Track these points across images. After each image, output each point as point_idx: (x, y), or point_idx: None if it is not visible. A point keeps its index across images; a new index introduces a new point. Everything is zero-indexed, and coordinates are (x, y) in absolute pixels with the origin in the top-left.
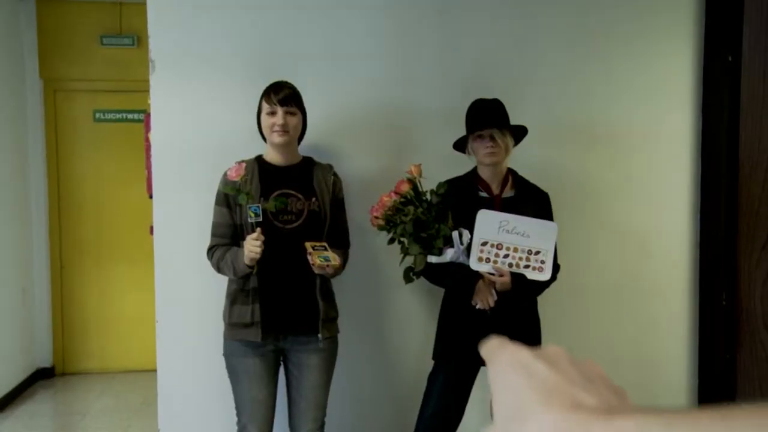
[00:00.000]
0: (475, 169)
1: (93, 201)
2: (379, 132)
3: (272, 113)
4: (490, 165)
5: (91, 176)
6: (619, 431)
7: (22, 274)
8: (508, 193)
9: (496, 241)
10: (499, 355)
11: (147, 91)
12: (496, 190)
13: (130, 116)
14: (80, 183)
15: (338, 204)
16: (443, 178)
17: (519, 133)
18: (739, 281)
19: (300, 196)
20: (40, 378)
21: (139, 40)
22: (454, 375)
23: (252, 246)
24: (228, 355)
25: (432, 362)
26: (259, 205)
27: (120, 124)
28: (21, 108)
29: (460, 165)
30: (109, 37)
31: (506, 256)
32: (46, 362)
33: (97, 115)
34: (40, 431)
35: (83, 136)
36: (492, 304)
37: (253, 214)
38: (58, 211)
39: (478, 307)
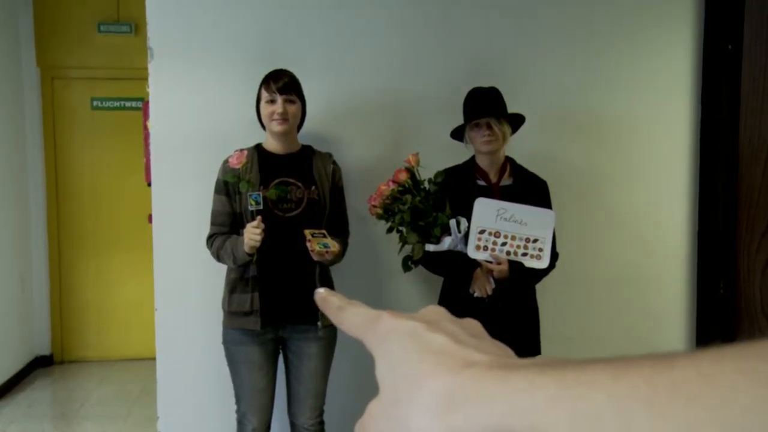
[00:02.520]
0: (473, 158)
1: (91, 189)
2: (377, 121)
3: (271, 101)
4: (487, 153)
5: (89, 164)
6: (514, 389)
7: (21, 262)
8: (506, 181)
9: (494, 229)
10: (376, 324)
11: (145, 78)
12: (494, 179)
13: (128, 104)
14: (78, 171)
15: (338, 192)
16: (441, 167)
17: (516, 121)
18: (738, 269)
19: (300, 184)
20: (38, 366)
21: (137, 27)
22: None
23: (252, 234)
24: (227, 343)
25: None
26: (260, 192)
27: (118, 111)
28: (18, 96)
29: (458, 154)
30: (106, 25)
31: (504, 244)
32: (44, 350)
33: (95, 103)
34: (38, 419)
35: (81, 124)
36: (490, 292)
37: (253, 202)
38: (56, 199)
39: (476, 295)
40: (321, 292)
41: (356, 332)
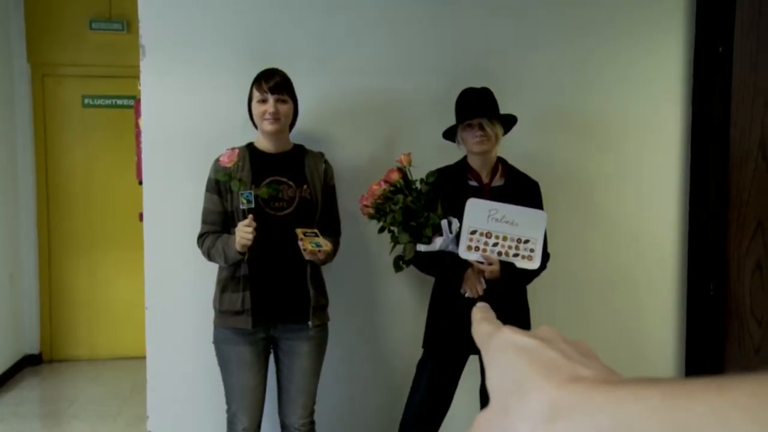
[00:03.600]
0: (464, 158)
1: (82, 187)
2: (370, 120)
3: (263, 101)
4: (479, 154)
5: (80, 162)
6: (618, 400)
7: (10, 259)
8: (498, 181)
9: (486, 230)
10: (494, 337)
11: (137, 76)
12: (485, 179)
13: (119, 102)
14: (69, 169)
15: (329, 192)
16: (433, 167)
17: (508, 121)
18: (728, 271)
19: (291, 183)
20: (27, 365)
21: (128, 25)
22: (443, 363)
23: (243, 232)
24: (218, 342)
25: (421, 350)
26: (252, 191)
27: (110, 109)
28: (8, 93)
29: (450, 154)
30: (98, 22)
31: (495, 244)
32: (33, 349)
33: (87, 101)
34: (27, 418)
35: (72, 122)
36: (481, 293)
37: (245, 201)
38: (47, 196)
39: (467, 295)
40: (480, 306)
41: (479, 342)
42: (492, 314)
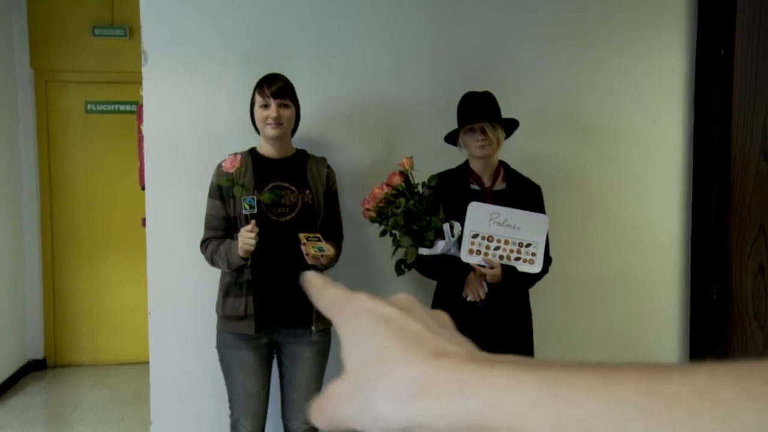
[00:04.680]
0: (466, 162)
1: (85, 192)
2: (372, 125)
3: (265, 106)
4: (481, 158)
5: (82, 167)
6: (493, 385)
7: (14, 265)
8: (500, 185)
9: (487, 234)
10: (350, 303)
11: (139, 82)
12: (487, 183)
13: (122, 107)
14: (72, 174)
15: (332, 196)
16: (435, 171)
17: (510, 125)
18: (730, 275)
19: (294, 188)
20: (31, 370)
21: (131, 31)
22: None
23: (246, 238)
24: (221, 347)
25: None
26: (254, 196)
27: (112, 115)
28: (12, 98)
29: (452, 158)
30: (100, 28)
31: (497, 248)
32: (37, 354)
33: (89, 107)
34: (31, 424)
35: (75, 128)
36: (483, 297)
37: (248, 206)
38: (50, 202)
39: (469, 299)
40: (308, 273)
41: (330, 311)
42: (330, 279)
